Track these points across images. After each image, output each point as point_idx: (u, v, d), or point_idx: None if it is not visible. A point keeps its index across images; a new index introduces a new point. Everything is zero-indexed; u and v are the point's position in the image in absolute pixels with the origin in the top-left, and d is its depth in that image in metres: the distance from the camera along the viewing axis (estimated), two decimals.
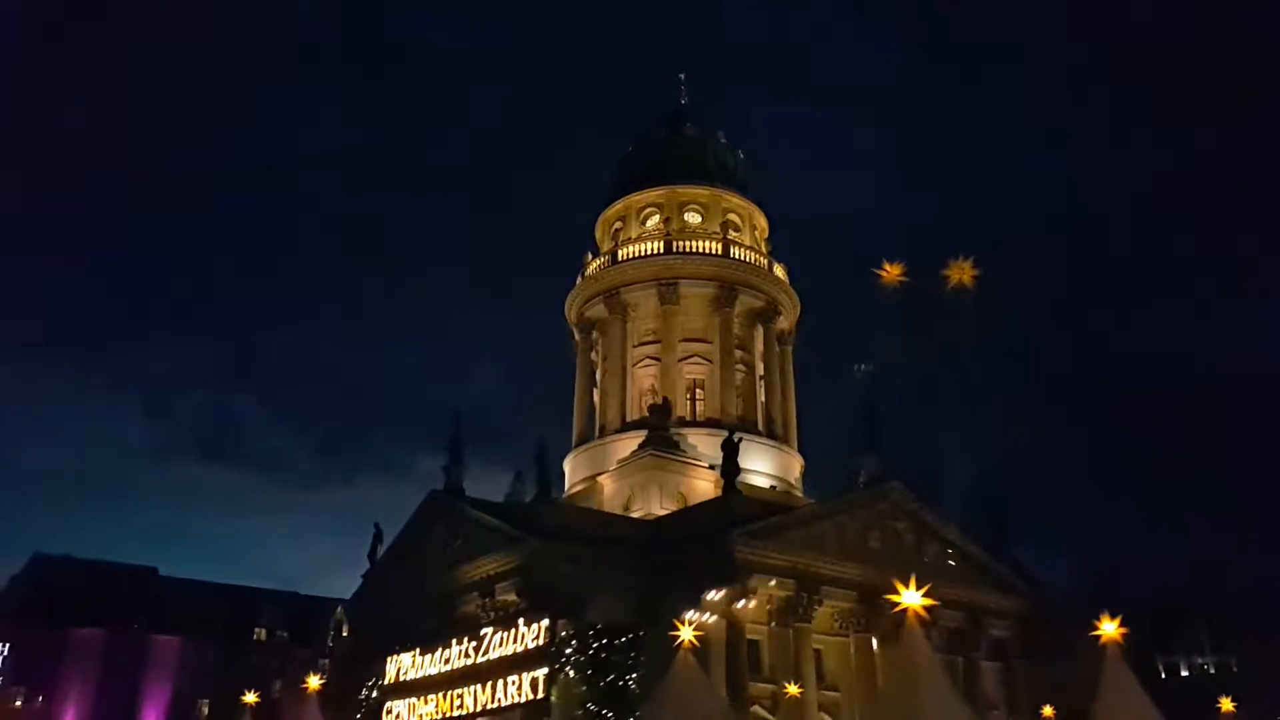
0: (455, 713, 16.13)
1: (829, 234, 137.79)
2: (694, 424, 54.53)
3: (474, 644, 16.19)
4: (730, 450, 42.95)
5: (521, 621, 15.71)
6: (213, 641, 76.81)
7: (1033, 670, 47.59)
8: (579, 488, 52.84)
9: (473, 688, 15.84)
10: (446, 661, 16.55)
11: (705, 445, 52.64)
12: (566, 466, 57.47)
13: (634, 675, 14.48)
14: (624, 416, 56.40)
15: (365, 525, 54.34)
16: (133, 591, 72.31)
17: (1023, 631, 48.09)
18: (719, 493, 48.88)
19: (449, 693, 15.80)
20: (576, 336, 62.52)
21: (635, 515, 47.52)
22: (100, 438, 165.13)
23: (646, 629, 41.35)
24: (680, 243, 58.44)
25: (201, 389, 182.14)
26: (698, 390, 56.48)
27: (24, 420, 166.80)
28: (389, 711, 17.44)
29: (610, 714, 14.08)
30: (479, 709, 15.40)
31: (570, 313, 62.43)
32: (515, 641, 15.30)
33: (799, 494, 54.61)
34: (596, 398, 59.77)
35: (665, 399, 52.18)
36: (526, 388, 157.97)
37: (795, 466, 56.70)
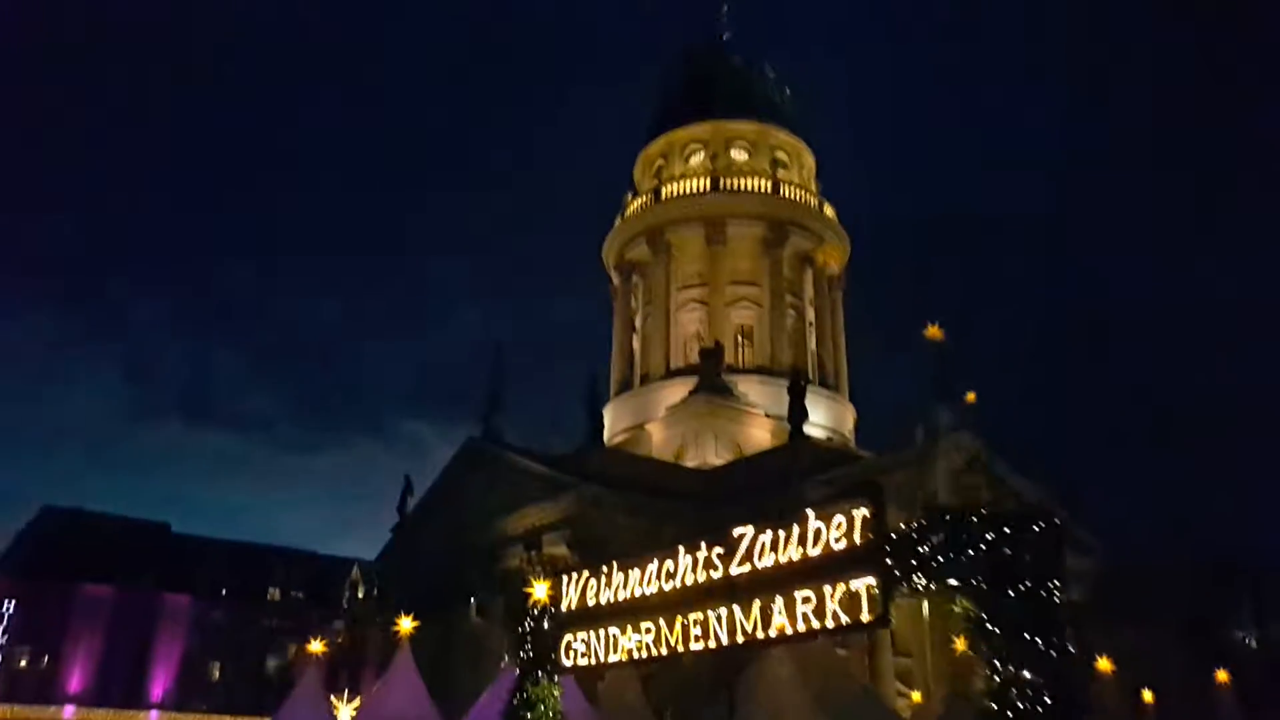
0: (692, 644, 11.84)
1: (876, 175, 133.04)
2: (743, 370, 51.28)
3: (721, 550, 11.82)
4: (797, 395, 39.81)
5: (812, 516, 11.22)
6: (225, 601, 74.01)
7: (1106, 634, 44.76)
8: (622, 437, 49.70)
9: (721, 611, 11.66)
10: (670, 577, 12.16)
11: (756, 393, 49.53)
12: (606, 415, 54.18)
13: (1055, 582, 9.71)
14: (668, 363, 53.15)
15: (355, 489, 51.80)
16: (145, 548, 69.24)
17: (1096, 595, 45.21)
18: (775, 442, 45.94)
19: (678, 618, 11.84)
20: (615, 280, 59.13)
21: (690, 465, 44.39)
22: (80, 396, 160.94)
23: None
24: (728, 180, 54.91)
25: (182, 347, 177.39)
26: (746, 335, 53.20)
27: (3, 377, 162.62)
28: (570, 648, 13.15)
29: (1037, 639, 9.49)
30: (739, 636, 11.24)
31: (609, 255, 59.00)
32: (808, 542, 10.83)
33: (852, 446, 51.52)
34: (636, 344, 56.51)
35: (718, 343, 48.90)
36: (546, 339, 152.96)
37: (849, 417, 53.60)
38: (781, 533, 10.82)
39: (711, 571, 11.53)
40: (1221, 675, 31.34)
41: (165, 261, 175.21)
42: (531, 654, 13.09)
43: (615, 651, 12.45)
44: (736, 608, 11.07)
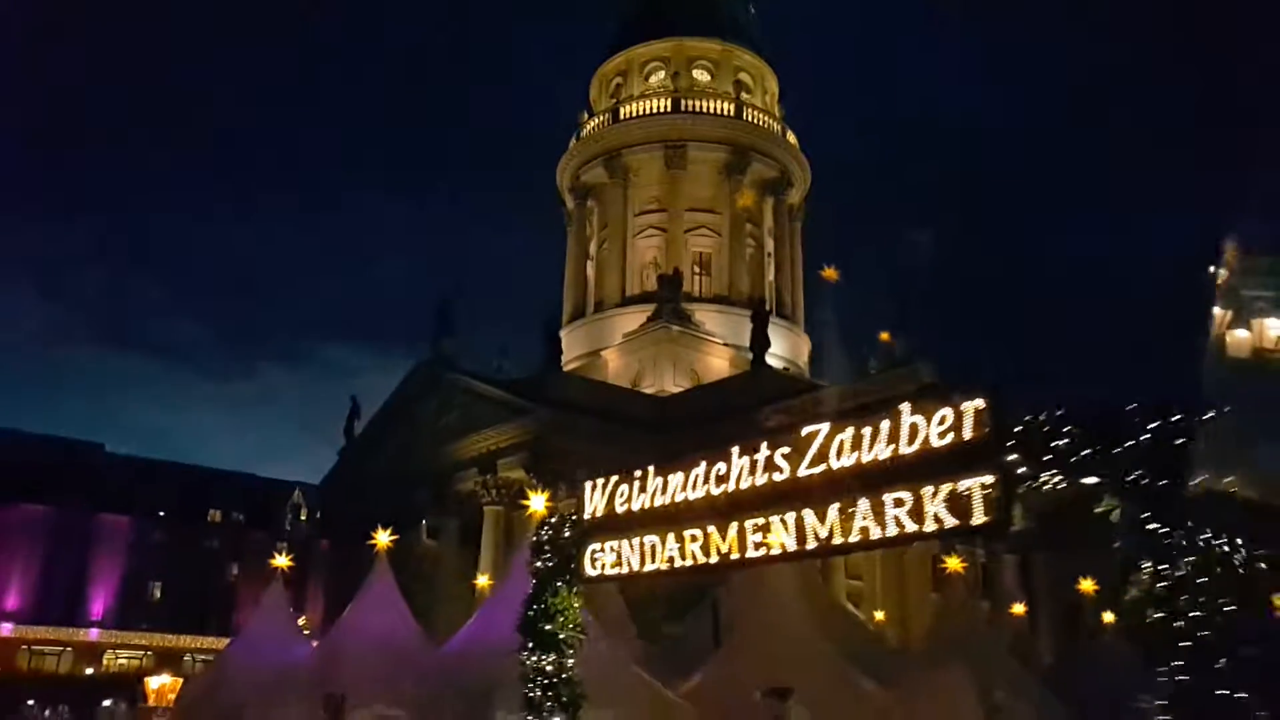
0: (750, 552, 10.83)
1: (839, 99, 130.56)
2: (700, 299, 50.75)
3: (787, 450, 10.56)
4: (761, 324, 39.55)
5: (907, 409, 9.88)
6: (164, 522, 72.56)
7: (1051, 561, 46.33)
8: (576, 364, 49.07)
9: (789, 515, 10.50)
10: (721, 480, 11.08)
11: (713, 323, 49.19)
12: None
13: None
14: (624, 290, 52.36)
15: (285, 414, 50.49)
16: (79, 467, 67.16)
17: (1043, 523, 46.59)
18: (733, 371, 45.86)
19: (732, 524, 10.70)
20: (569, 204, 57.71)
21: (648, 391, 44.11)
22: None
23: None
24: (689, 101, 53.46)
25: (98, 271, 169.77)
26: (704, 264, 52.58)
27: None
28: (595, 558, 12.28)
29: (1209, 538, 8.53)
30: (810, 541, 10.11)
31: (563, 177, 57.40)
32: (901, 439, 9.53)
33: (807, 377, 51.73)
34: (590, 271, 55.54)
35: (676, 270, 48.21)
36: (491, 269, 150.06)
37: (804, 348, 53.67)
38: (866, 430, 9.78)
39: (774, 474, 10.27)
40: None
41: (82, 186, 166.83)
42: (551, 563, 12.47)
43: (654, 560, 11.34)
44: (808, 511, 10.12)
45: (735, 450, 10.79)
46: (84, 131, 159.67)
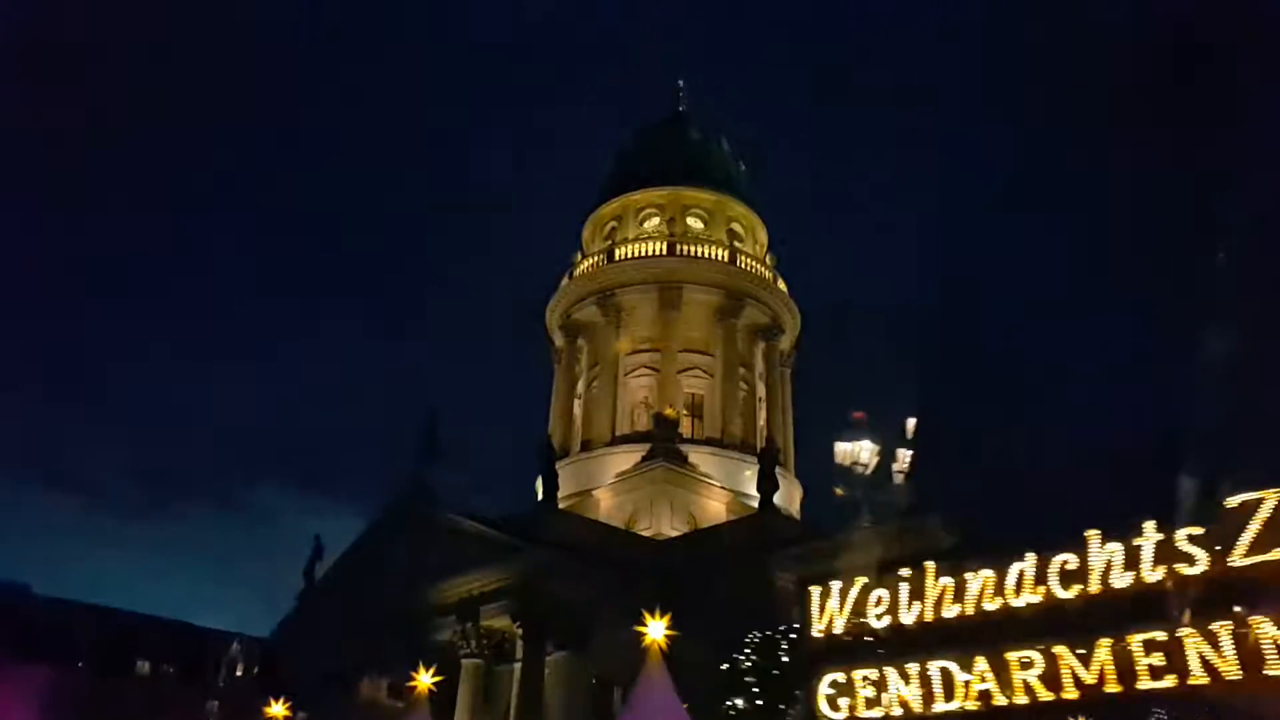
0: (1147, 680, 7.64)
1: (823, 256, 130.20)
2: (693, 441, 49.22)
3: (1199, 532, 7.25)
4: (769, 463, 37.92)
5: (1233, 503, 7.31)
6: (87, 673, 65.93)
7: None
8: (566, 503, 46.53)
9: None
10: (1072, 578, 7.62)
11: (706, 465, 47.57)
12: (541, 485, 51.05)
13: None
14: (614, 429, 50.65)
15: (206, 558, 46.87)
16: (3, 610, 61.24)
17: None
18: (730, 515, 43.89)
19: (1102, 641, 7.30)
20: (558, 342, 56.71)
21: (644, 534, 41.65)
22: None
23: None
24: (685, 246, 53.76)
25: (7, 398, 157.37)
26: (696, 406, 51.34)
27: None
28: (837, 698, 8.69)
29: None
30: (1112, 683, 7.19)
31: (553, 315, 56.67)
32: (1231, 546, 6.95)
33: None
34: (578, 409, 53.92)
35: (672, 409, 46.78)
36: (458, 407, 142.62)
37: (796, 494, 51.87)
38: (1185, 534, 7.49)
39: (1182, 565, 7.44)
40: None
41: None
42: (758, 702, 9.16)
43: (950, 697, 8.12)
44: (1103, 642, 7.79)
45: (1096, 536, 7.89)
46: None
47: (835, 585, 8.74)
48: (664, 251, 53.26)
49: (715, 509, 44.02)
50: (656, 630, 11.84)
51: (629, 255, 53.71)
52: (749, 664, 9.43)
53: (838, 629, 8.49)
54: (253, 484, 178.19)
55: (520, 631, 35.60)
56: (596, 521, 42.23)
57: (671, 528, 42.24)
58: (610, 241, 56.13)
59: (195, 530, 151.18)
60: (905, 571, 8.58)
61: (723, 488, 45.22)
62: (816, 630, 8.55)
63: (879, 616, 8.46)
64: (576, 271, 55.56)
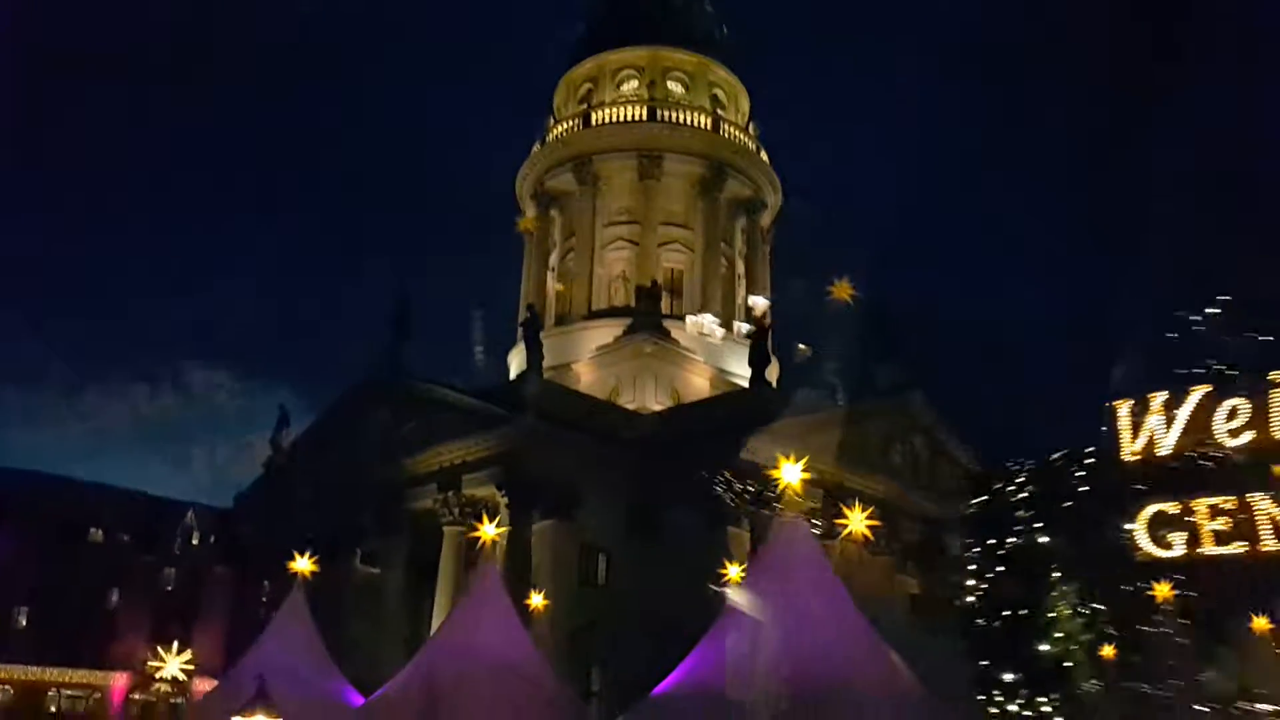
0: None
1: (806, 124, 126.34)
2: (671, 316, 48.08)
3: None
4: (759, 338, 37.07)
5: None
6: (38, 541, 64.47)
7: None
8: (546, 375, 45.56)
9: None
10: None
11: (684, 340, 46.62)
12: (513, 358, 49.83)
13: None
14: (590, 303, 49.25)
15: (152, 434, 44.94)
16: None
17: None
18: (713, 391, 43.36)
19: None
20: (530, 211, 54.36)
21: (628, 408, 40.96)
22: None
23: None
24: (665, 112, 51.24)
25: None
26: (675, 280, 50.01)
27: None
28: (1164, 533, 6.89)
29: None
30: None
31: (524, 183, 54.15)
32: None
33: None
34: (551, 283, 52.24)
35: (655, 282, 45.47)
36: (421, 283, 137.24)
37: (774, 372, 51.44)
38: None
39: None
40: None
41: None
42: (1033, 537, 7.17)
43: None
44: None
45: None
46: None
47: (1159, 397, 7.04)
48: (644, 117, 50.74)
49: (699, 384, 43.42)
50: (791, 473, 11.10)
51: (607, 120, 51.09)
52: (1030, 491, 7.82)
53: (1161, 451, 6.80)
54: (194, 366, 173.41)
55: (505, 500, 34.96)
56: (582, 394, 41.31)
57: (656, 401, 41.58)
58: (585, 105, 53.30)
59: (136, 407, 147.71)
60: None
61: (705, 363, 44.48)
62: (1131, 452, 6.94)
63: (1234, 433, 6.79)
64: (550, 136, 52.80)
